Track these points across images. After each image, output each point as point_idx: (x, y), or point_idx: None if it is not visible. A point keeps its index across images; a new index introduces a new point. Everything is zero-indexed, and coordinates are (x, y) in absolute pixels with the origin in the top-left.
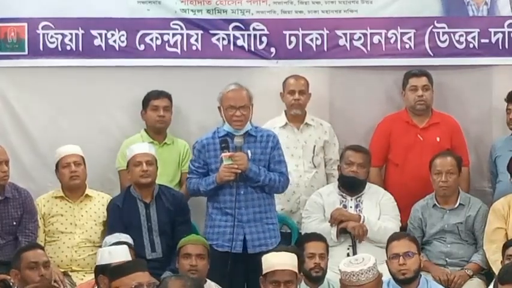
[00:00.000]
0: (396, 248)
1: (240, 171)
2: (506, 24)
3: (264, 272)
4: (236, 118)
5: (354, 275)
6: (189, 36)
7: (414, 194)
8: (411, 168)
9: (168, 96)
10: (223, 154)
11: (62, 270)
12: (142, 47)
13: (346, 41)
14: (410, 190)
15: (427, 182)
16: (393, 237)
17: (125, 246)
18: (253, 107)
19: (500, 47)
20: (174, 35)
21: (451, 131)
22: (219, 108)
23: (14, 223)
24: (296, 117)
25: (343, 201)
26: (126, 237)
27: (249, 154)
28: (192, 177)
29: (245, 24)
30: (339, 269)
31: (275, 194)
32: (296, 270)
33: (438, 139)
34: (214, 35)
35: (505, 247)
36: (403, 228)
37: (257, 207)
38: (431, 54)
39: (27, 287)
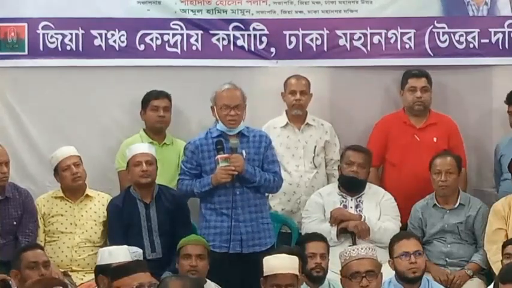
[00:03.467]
0: (406, 246)
1: (236, 172)
2: (506, 24)
3: (265, 274)
4: (230, 118)
5: (353, 250)
6: (189, 36)
7: (411, 194)
8: (408, 168)
9: (167, 96)
10: (219, 156)
11: (62, 270)
12: (142, 47)
13: (346, 41)
14: (407, 190)
15: (424, 182)
16: (402, 236)
17: (125, 247)
18: (246, 107)
19: (500, 47)
20: (174, 35)
21: (449, 132)
22: (212, 108)
23: (14, 223)
24: (297, 117)
25: (343, 201)
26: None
27: (244, 154)
28: (184, 178)
29: (245, 24)
30: (339, 256)
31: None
32: (297, 273)
33: (435, 139)
34: (214, 35)
35: (504, 246)
36: (403, 228)
37: (253, 207)
38: (431, 54)
39: (28, 282)
